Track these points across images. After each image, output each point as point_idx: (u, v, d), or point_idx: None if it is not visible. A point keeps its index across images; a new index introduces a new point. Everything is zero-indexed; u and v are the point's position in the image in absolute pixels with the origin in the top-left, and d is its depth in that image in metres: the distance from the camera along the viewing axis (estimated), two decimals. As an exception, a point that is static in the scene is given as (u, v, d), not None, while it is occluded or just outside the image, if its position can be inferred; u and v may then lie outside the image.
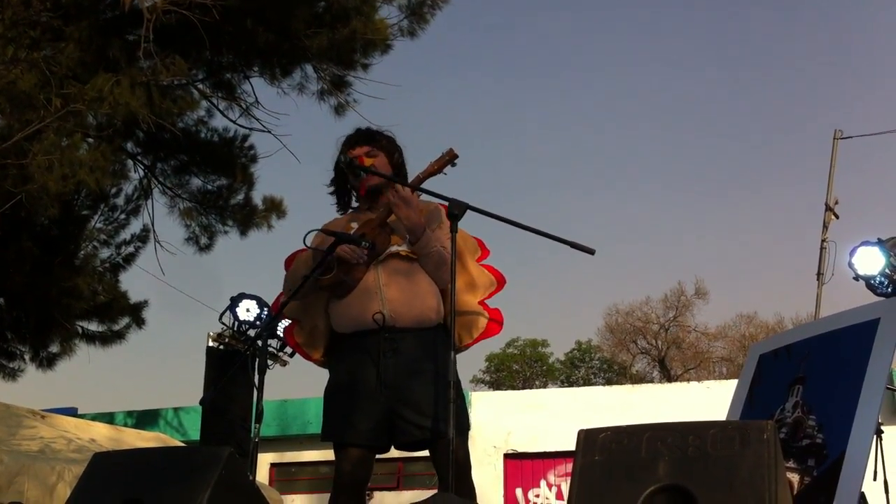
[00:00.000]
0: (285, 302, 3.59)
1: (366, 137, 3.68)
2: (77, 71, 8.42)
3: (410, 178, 3.61)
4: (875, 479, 6.20)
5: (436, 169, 3.49)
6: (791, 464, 3.62)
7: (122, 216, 11.66)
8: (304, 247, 3.53)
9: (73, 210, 10.68)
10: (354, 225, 3.60)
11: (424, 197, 3.59)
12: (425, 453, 3.43)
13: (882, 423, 6.30)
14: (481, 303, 3.66)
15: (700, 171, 50.46)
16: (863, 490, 3.57)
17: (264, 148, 11.62)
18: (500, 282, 3.71)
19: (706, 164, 50.89)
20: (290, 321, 3.79)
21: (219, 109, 10.72)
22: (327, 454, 3.47)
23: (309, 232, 3.57)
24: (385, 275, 3.45)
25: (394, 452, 3.57)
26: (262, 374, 3.80)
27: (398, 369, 3.36)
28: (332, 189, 3.79)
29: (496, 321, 3.66)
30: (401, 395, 3.34)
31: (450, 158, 3.48)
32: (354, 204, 3.81)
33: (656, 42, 51.68)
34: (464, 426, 3.40)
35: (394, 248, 3.49)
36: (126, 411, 17.94)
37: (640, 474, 2.37)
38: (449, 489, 2.96)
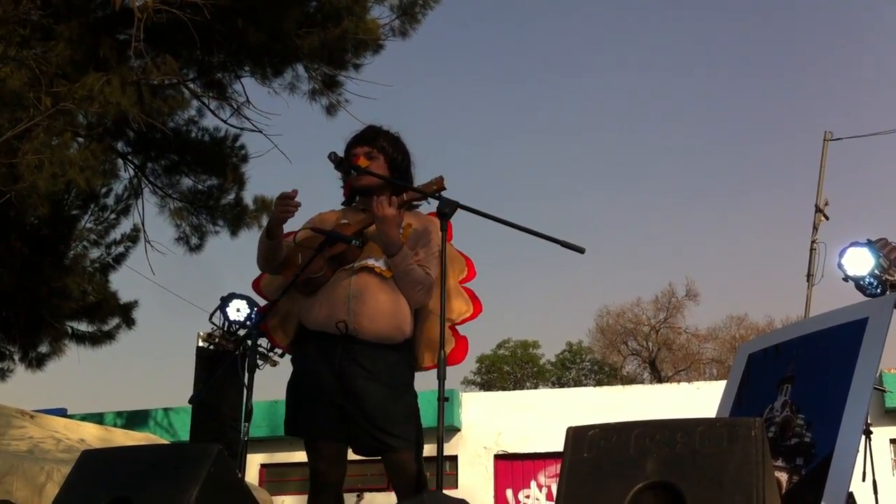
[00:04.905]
0: (270, 304, 3.60)
1: (369, 137, 3.64)
2: (67, 70, 8.41)
3: (416, 183, 3.59)
4: (864, 479, 6.21)
5: (421, 196, 3.47)
6: (779, 462, 3.63)
7: (112, 216, 11.65)
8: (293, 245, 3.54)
9: (62, 209, 10.67)
10: (343, 223, 3.58)
11: (425, 208, 3.58)
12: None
13: (870, 424, 6.33)
14: (451, 328, 3.59)
15: (691, 172, 50.62)
16: (851, 490, 3.58)
17: (255, 148, 11.62)
18: (476, 310, 3.65)
19: (697, 166, 51.08)
20: (265, 303, 3.77)
21: (210, 109, 10.72)
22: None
23: (300, 229, 3.57)
24: (356, 286, 3.40)
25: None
26: (251, 373, 3.80)
27: (355, 378, 3.34)
28: (342, 184, 3.77)
29: (461, 351, 3.59)
30: (356, 403, 3.33)
31: (437, 188, 3.42)
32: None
33: (647, 45, 51.85)
34: (417, 441, 3.39)
35: (370, 262, 3.45)
36: (116, 412, 17.94)
37: (628, 471, 2.37)
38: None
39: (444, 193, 3.32)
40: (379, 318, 3.38)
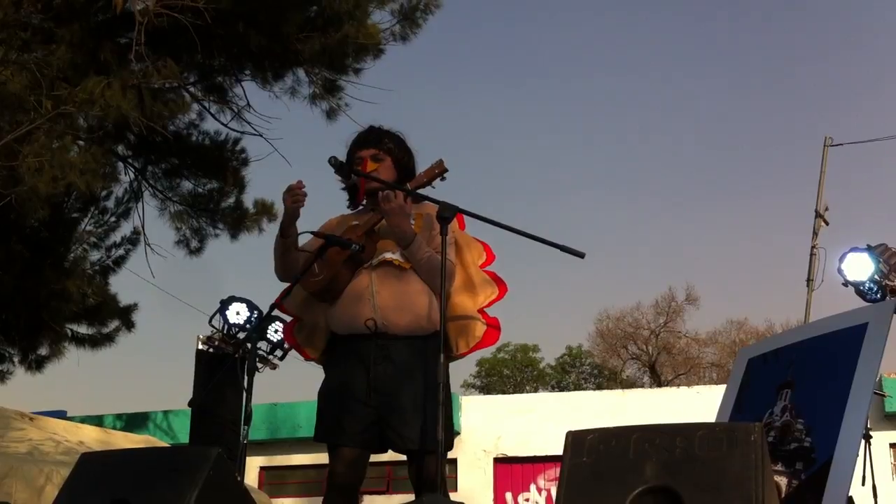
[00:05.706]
0: (271, 307, 3.59)
1: (374, 139, 3.64)
2: (68, 73, 8.41)
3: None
4: (863, 484, 6.22)
5: (425, 181, 3.48)
6: (779, 467, 3.63)
7: (113, 219, 11.66)
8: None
9: (63, 212, 10.67)
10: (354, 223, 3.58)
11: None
12: None
13: (870, 429, 6.34)
14: (480, 311, 3.59)
15: (691, 177, 50.61)
16: (851, 495, 3.58)
17: (256, 151, 11.60)
18: (502, 290, 3.64)
19: (697, 170, 51.06)
20: (289, 318, 3.75)
21: (210, 113, 10.73)
22: (317, 458, 3.47)
23: (300, 234, 3.57)
24: (378, 281, 3.42)
25: (383, 456, 3.58)
26: (251, 376, 3.78)
27: (388, 377, 3.35)
28: (343, 186, 3.75)
29: (494, 331, 3.59)
30: (389, 403, 3.34)
31: (439, 172, 3.46)
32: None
33: (648, 48, 51.86)
34: (443, 441, 3.38)
35: (388, 256, 3.46)
36: (115, 414, 17.93)
37: (627, 476, 2.37)
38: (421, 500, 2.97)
39: (444, 198, 3.32)
40: (406, 309, 3.41)
